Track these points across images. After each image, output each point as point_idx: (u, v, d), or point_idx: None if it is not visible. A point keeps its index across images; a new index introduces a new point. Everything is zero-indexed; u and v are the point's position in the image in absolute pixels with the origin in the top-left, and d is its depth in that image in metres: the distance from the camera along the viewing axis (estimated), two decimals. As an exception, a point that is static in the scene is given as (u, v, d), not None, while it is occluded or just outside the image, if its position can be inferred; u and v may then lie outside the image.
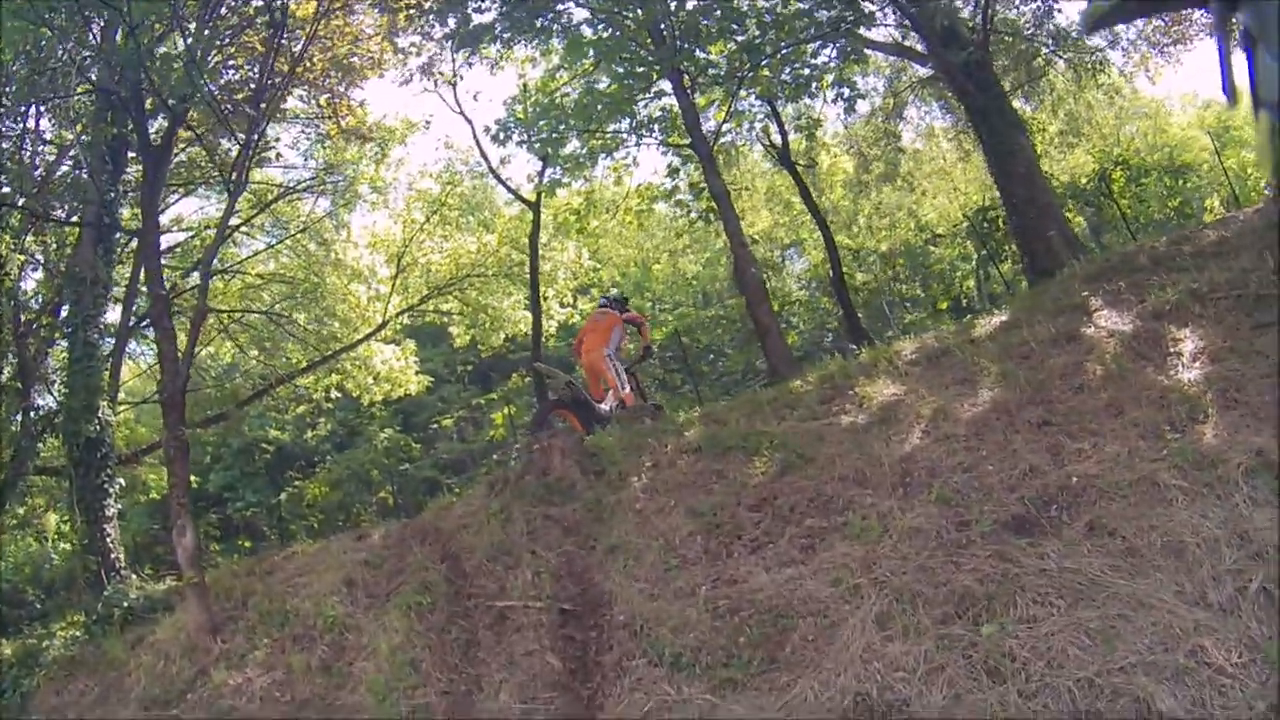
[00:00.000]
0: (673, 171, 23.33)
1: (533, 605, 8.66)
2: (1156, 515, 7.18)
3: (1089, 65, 26.37)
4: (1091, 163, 31.76)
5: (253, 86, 17.38)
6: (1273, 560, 6.41)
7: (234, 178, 14.93)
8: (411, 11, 20.87)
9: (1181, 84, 47.38)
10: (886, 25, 24.88)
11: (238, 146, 15.67)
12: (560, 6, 20.53)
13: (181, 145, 20.66)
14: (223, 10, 16.84)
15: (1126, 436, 8.28)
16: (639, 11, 19.13)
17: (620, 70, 20.36)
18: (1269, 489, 7.02)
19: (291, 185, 25.89)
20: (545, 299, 28.77)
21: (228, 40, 17.86)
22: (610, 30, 20.13)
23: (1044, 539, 7.46)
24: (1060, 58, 26.38)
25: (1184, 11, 25.56)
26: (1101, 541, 7.21)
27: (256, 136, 15.57)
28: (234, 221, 22.27)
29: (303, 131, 24.73)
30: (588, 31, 20.42)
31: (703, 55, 20.41)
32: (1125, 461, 7.90)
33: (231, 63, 18.94)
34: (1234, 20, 1.75)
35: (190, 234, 26.10)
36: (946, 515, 8.02)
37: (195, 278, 22.52)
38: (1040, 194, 20.23)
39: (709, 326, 36.41)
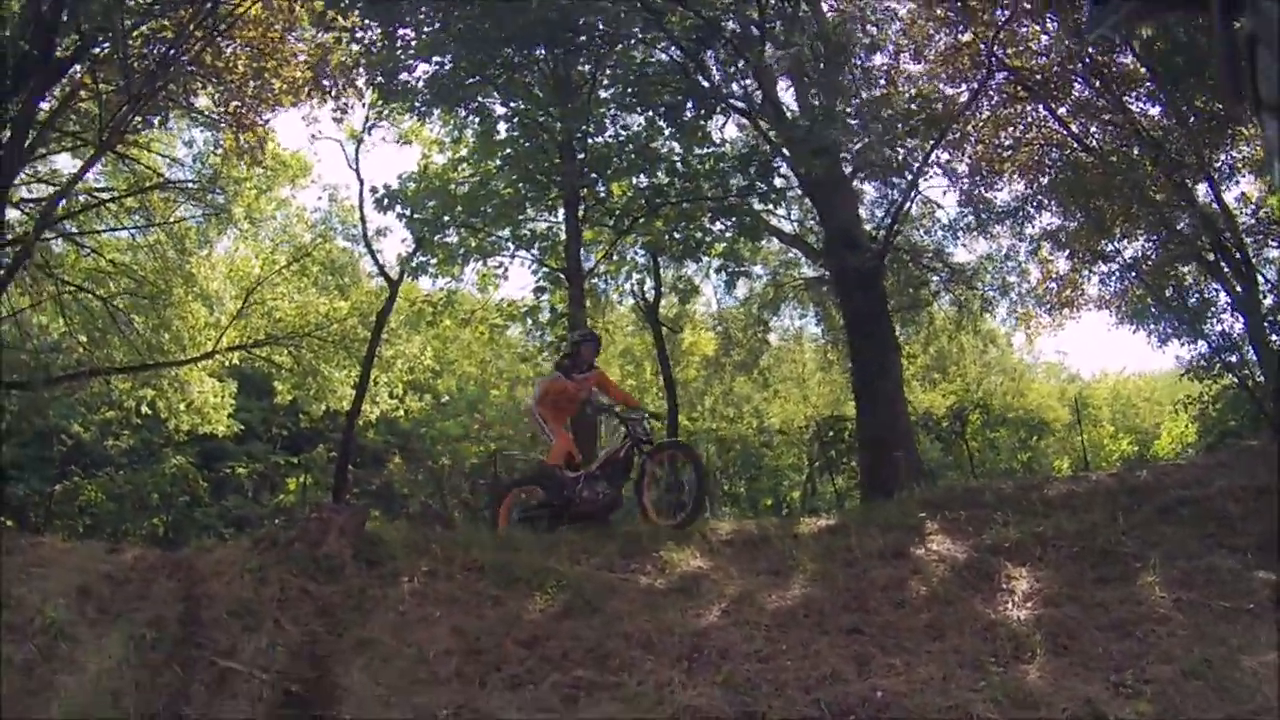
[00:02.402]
0: (538, 291, 23.07)
1: (258, 675, 7.85)
2: (965, 748, 6.82)
3: (974, 307, 26.84)
4: (951, 400, 32.18)
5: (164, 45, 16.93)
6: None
7: (106, 134, 14.20)
8: (343, 55, 20.51)
9: (1051, 352, 49.16)
10: (789, 219, 25.12)
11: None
12: (484, 99, 20.40)
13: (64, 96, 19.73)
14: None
15: (943, 661, 7.90)
16: (558, 125, 19.22)
17: (516, 177, 20.34)
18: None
19: (171, 180, 25.37)
20: (375, 383, 28.38)
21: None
22: (525, 139, 20.12)
23: (832, 751, 7.00)
24: (948, 293, 26.80)
25: (1087, 279, 26.32)
26: (897, 766, 6.79)
27: (144, 92, 14.93)
28: (105, 196, 21.71)
29: (201, 132, 24.73)
30: (503, 129, 20.47)
31: (603, 190, 20.32)
32: (939, 686, 7.46)
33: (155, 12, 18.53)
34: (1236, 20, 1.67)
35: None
36: (731, 701, 7.40)
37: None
38: (897, 416, 20.37)
39: (530, 467, 35.92)
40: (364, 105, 24.27)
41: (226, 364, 28.56)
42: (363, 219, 27.73)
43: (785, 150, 19.27)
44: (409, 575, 9.57)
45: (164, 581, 9.25)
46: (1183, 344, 24.49)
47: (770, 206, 22.19)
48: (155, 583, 9.24)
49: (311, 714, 7.60)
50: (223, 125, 23.08)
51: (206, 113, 23.21)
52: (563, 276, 20.73)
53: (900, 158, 21.42)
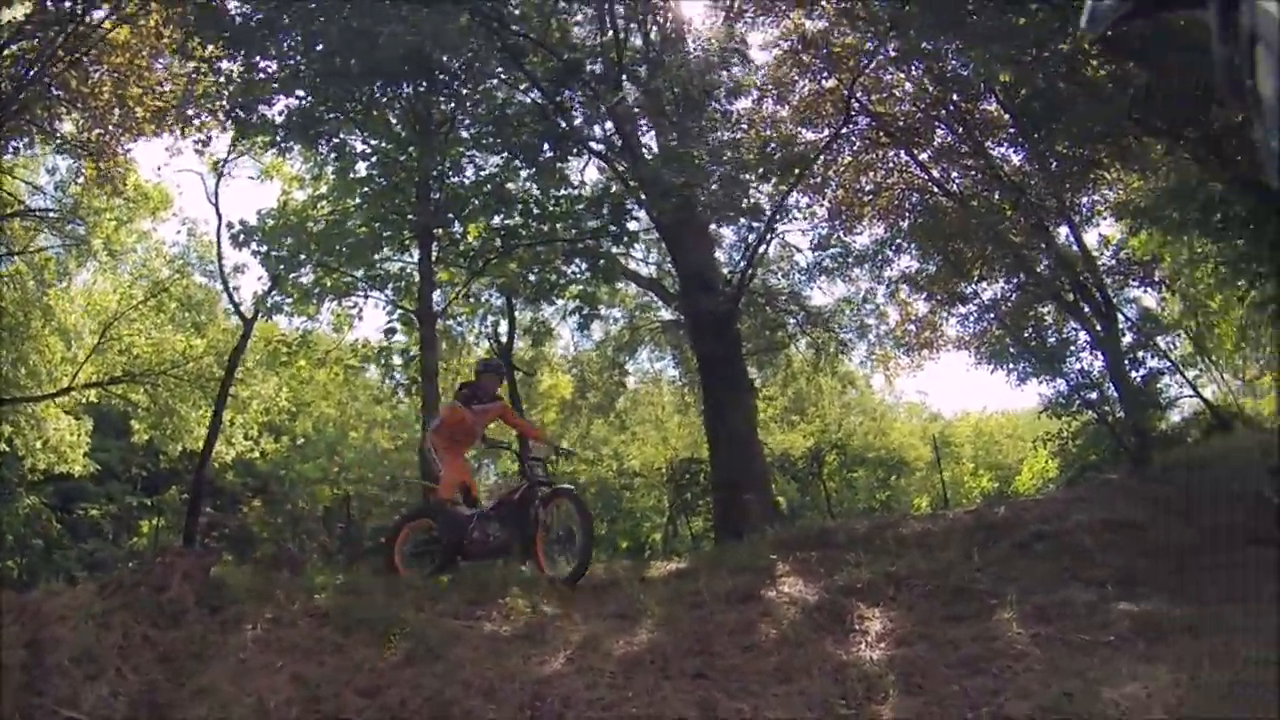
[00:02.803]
0: (388, 332, 22.52)
1: (97, 726, 7.61)
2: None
3: (831, 349, 27.10)
4: (810, 440, 32.40)
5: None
6: None
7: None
8: (206, 85, 20.28)
9: (912, 392, 49.54)
10: (646, 262, 25.21)
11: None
12: (345, 135, 20.23)
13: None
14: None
15: (792, 705, 7.85)
16: (415, 164, 19.02)
17: (372, 215, 20.07)
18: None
19: (31, 209, 24.83)
20: (231, 425, 27.99)
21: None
22: (382, 176, 19.89)
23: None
24: (805, 336, 27.03)
25: (946, 320, 26.77)
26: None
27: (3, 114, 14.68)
28: None
29: (63, 159, 24.21)
30: (362, 167, 20.19)
31: (459, 230, 20.23)
32: None
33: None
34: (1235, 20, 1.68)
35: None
36: (572, 750, 7.30)
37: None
38: (750, 458, 20.49)
39: (387, 510, 35.57)
40: (226, 138, 24.02)
41: (83, 400, 27.90)
42: (219, 255, 27.37)
43: (641, 193, 19.34)
44: (252, 622, 9.33)
45: (9, 626, 9.01)
46: (1041, 382, 24.93)
47: (625, 249, 22.29)
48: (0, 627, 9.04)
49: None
50: (85, 152, 22.68)
51: (69, 139, 22.68)
52: (415, 318, 20.49)
53: (754, 201, 21.64)
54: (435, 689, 8.10)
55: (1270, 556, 11.29)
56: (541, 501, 12.24)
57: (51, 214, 25.38)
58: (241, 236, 20.45)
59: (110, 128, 21.24)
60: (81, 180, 24.51)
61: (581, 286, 21.75)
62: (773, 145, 22.42)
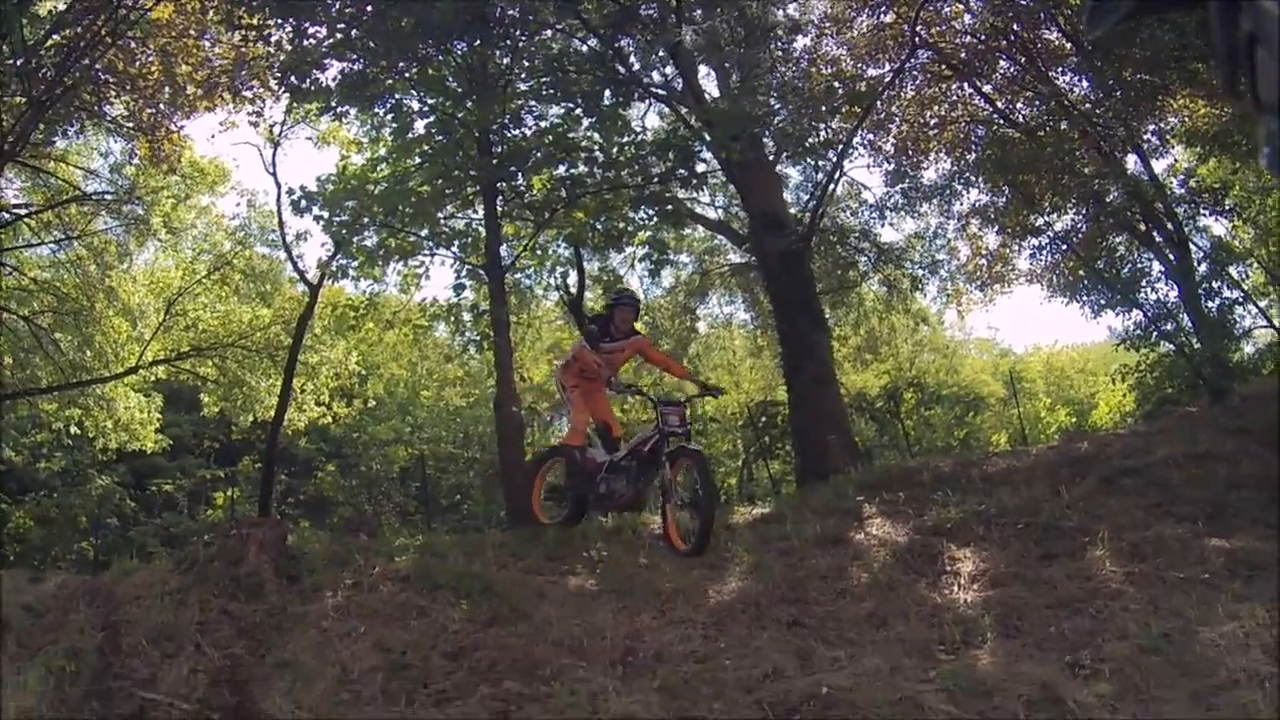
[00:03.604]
0: (457, 288, 22.25)
1: (179, 705, 7.46)
2: (919, 742, 6.52)
3: (904, 286, 26.81)
4: (884, 380, 32.15)
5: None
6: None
7: (9, 141, 13.79)
8: (255, 56, 20.12)
9: (983, 328, 49.38)
10: (714, 205, 24.92)
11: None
12: (400, 96, 20.00)
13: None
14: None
15: (889, 651, 7.61)
16: (474, 119, 18.88)
17: (434, 173, 19.67)
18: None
19: (88, 193, 24.92)
20: (301, 392, 28.01)
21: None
22: (441, 134, 19.69)
23: (779, 752, 6.69)
24: (877, 273, 26.77)
25: (1017, 254, 26.44)
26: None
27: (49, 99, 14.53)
28: (22, 212, 21.78)
29: (116, 141, 24.41)
30: (420, 126, 20.03)
31: (522, 183, 19.91)
32: (886, 678, 7.13)
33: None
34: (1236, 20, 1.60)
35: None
36: (669, 707, 7.09)
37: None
38: (829, 398, 20.15)
39: (461, 466, 35.48)
40: (280, 107, 23.88)
41: (152, 378, 28.00)
42: (281, 224, 27.31)
43: (706, 134, 19.00)
44: (331, 589, 9.19)
45: (84, 609, 8.83)
46: (1117, 314, 24.52)
47: (693, 193, 21.97)
48: (75, 610, 8.83)
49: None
50: (138, 132, 22.71)
51: (120, 121, 22.74)
52: (482, 273, 20.31)
53: (822, 137, 21.25)
54: (523, 649, 7.90)
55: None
56: (668, 459, 11.19)
57: (108, 196, 25.48)
58: (302, 203, 20.27)
59: (162, 106, 21.18)
60: (136, 161, 24.67)
61: (650, 233, 21.49)
62: (836, 82, 21.94)
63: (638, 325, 13.08)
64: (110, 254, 26.20)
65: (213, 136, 49.06)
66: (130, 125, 22.66)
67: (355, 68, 18.90)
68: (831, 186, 23.10)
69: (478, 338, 22.45)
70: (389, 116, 20.29)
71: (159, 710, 7.34)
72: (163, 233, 27.23)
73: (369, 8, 18.06)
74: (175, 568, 9.69)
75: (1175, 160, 25.50)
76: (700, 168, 20.23)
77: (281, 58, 19.71)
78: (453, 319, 22.77)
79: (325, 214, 20.02)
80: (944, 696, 6.68)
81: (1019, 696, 6.51)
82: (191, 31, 20.36)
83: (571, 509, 12.00)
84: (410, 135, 19.86)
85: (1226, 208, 25.21)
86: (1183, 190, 24.57)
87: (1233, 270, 26.04)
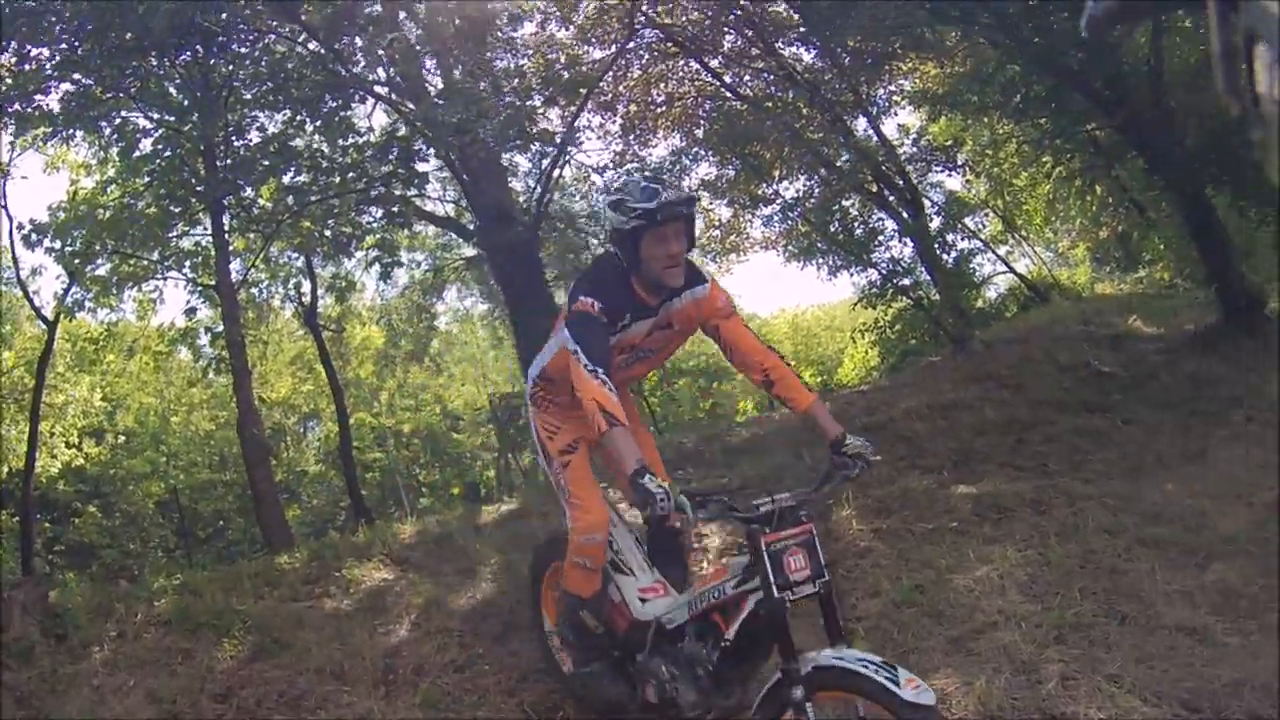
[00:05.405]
0: (189, 311, 22.01)
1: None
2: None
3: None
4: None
5: None
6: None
7: None
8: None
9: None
10: (444, 201, 24.88)
11: None
12: (126, 113, 19.32)
13: None
14: None
15: None
16: (197, 131, 18.29)
17: (163, 192, 19.23)
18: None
19: None
20: (51, 435, 27.24)
21: None
22: (167, 148, 19.12)
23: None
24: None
25: (750, 223, 26.96)
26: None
27: None
28: None
29: None
30: (146, 144, 19.34)
31: (249, 196, 19.68)
32: None
33: None
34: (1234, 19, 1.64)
35: None
36: (434, 720, 7.25)
37: None
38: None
39: (221, 492, 34.85)
40: (5, 135, 23.05)
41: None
42: (15, 260, 26.28)
43: (427, 132, 18.94)
44: (98, 644, 8.92)
45: None
46: (853, 274, 25.28)
47: (418, 191, 21.61)
48: None
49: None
50: None
51: None
52: (214, 293, 19.87)
53: (541, 127, 21.39)
54: (287, 680, 7.90)
55: (1103, 424, 11.48)
56: (805, 681, 4.91)
57: None
58: (33, 236, 19.70)
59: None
60: None
61: (379, 235, 21.51)
62: (558, 67, 22.08)
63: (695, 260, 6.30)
64: None
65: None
66: None
67: (80, 87, 18.34)
68: (557, 173, 23.17)
69: (216, 359, 22.09)
70: (114, 136, 19.65)
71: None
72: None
73: (90, 26, 17.53)
74: (-55, 642, 9.39)
75: (904, 123, 26.35)
76: (423, 166, 20.18)
77: (4, 86, 19.04)
78: (190, 342, 22.39)
79: (57, 245, 19.49)
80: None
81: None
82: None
83: (609, 674, 6.31)
84: (136, 154, 19.28)
85: (959, 163, 26.20)
86: (914, 150, 25.35)
87: (969, 222, 27.16)
